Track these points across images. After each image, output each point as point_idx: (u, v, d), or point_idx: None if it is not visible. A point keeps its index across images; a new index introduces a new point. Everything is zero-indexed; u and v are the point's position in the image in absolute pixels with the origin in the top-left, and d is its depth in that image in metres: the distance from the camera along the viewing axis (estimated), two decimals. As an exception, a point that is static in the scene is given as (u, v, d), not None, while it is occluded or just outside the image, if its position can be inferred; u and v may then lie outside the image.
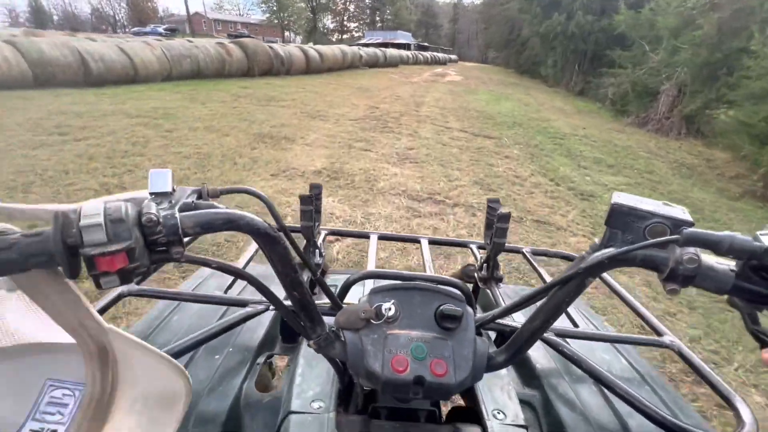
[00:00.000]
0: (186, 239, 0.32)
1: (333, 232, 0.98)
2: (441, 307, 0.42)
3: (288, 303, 0.42)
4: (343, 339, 0.42)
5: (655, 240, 0.34)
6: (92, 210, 0.27)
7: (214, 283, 0.82)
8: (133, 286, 0.65)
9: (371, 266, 0.78)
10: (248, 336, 0.68)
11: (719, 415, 1.60)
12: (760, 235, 0.32)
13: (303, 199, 0.71)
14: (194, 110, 6.67)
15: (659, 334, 0.68)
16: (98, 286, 0.27)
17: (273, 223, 0.38)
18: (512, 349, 0.44)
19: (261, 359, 0.64)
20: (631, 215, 0.37)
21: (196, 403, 0.54)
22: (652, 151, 7.88)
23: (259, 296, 0.52)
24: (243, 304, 0.64)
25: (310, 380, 0.53)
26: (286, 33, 64.02)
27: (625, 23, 12.21)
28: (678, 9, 9.71)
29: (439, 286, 0.44)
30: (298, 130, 6.08)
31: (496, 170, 5.25)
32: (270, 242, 0.35)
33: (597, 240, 0.40)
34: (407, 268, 2.47)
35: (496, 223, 0.69)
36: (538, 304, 0.44)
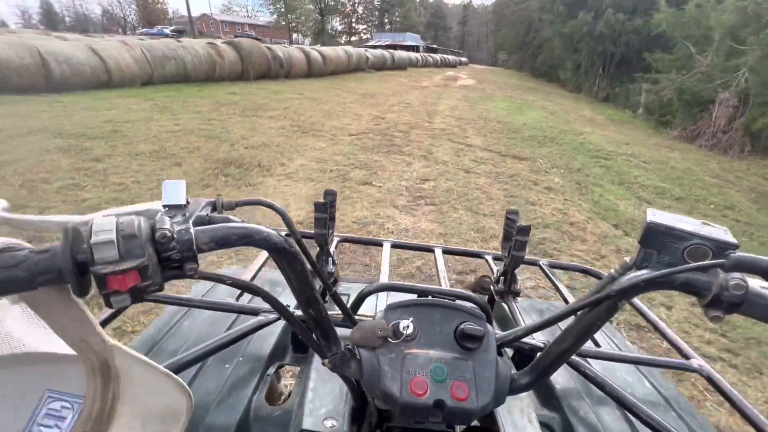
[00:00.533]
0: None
1: (346, 239, 0.93)
2: (461, 326, 0.40)
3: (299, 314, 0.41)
4: (358, 357, 0.40)
5: (698, 264, 0.32)
6: (104, 225, 0.26)
7: (224, 288, 0.79)
8: None
9: (384, 275, 0.76)
10: (258, 345, 0.66)
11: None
12: None
13: (317, 206, 0.69)
14: (155, 125, 5.40)
15: (686, 357, 0.64)
16: (109, 305, 0.26)
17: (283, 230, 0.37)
18: (536, 372, 0.41)
19: (271, 370, 0.62)
20: (669, 235, 0.34)
21: (205, 415, 0.52)
22: (718, 176, 6.44)
23: (283, 300, 0.50)
24: (255, 312, 0.62)
25: (323, 396, 0.51)
26: (294, 35, 63.38)
27: (666, 22, 10.73)
28: (738, 4, 8.24)
29: (458, 302, 0.43)
30: (281, 153, 4.77)
31: (541, 212, 3.88)
32: (287, 259, 0.33)
33: (627, 259, 0.37)
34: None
35: (516, 236, 0.66)
36: (562, 323, 0.41)
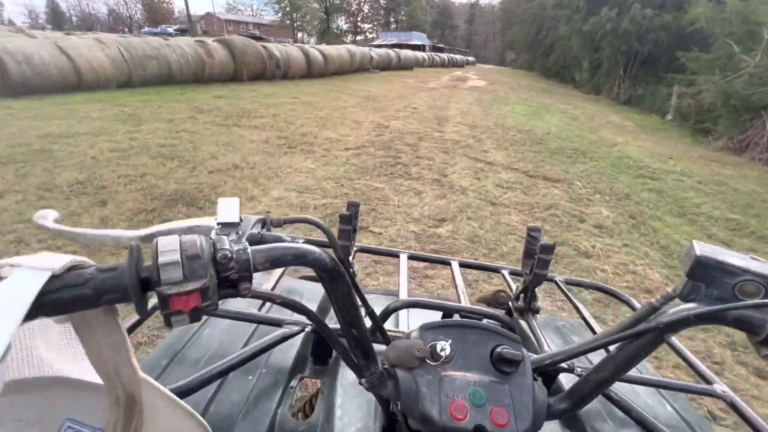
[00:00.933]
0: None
1: (363, 249, 0.93)
2: (498, 349, 0.39)
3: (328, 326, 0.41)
4: (395, 377, 0.39)
5: (754, 302, 0.32)
6: (169, 245, 0.25)
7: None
8: None
9: (403, 287, 0.76)
10: (281, 357, 0.65)
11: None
12: None
13: (342, 218, 0.69)
14: (104, 140, 4.38)
15: (709, 382, 0.64)
16: (169, 325, 0.26)
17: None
18: (574, 399, 0.41)
19: (294, 382, 0.61)
20: (718, 269, 0.34)
21: (232, 428, 0.52)
22: (792, 200, 5.32)
23: (294, 316, 0.59)
24: (278, 324, 0.62)
25: (351, 414, 0.50)
26: (299, 34, 62.63)
27: (704, 17, 9.57)
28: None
29: (493, 324, 0.43)
30: (254, 180, 3.75)
31: (602, 271, 2.82)
32: (335, 279, 0.34)
33: (670, 289, 0.37)
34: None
35: (539, 254, 0.65)
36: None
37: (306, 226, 0.65)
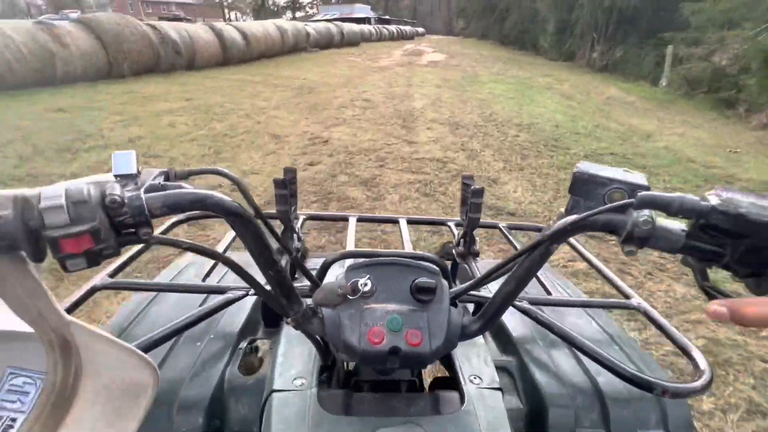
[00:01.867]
0: (154, 221, 0.31)
1: (311, 217, 0.95)
2: (416, 281, 0.42)
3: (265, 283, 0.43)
4: (321, 315, 0.42)
5: (612, 204, 0.35)
6: (53, 192, 0.26)
7: (192, 272, 0.80)
8: (107, 279, 0.64)
9: (350, 247, 0.76)
10: (229, 322, 0.66)
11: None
12: (708, 194, 0.33)
13: (277, 183, 0.68)
14: None
15: (627, 296, 0.70)
16: (64, 268, 0.27)
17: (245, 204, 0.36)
18: (485, 317, 0.44)
19: (243, 344, 0.61)
20: (592, 182, 0.38)
21: (179, 389, 0.53)
22: None
23: (238, 282, 0.59)
24: (222, 291, 0.62)
25: (292, 359, 0.52)
26: (232, 13, 56.47)
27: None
28: None
29: (414, 261, 0.45)
30: None
31: None
32: (242, 222, 0.34)
33: (562, 209, 0.40)
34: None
35: (471, 199, 0.70)
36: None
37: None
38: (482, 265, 0.75)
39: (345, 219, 0.91)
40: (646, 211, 0.34)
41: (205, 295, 0.69)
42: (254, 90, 7.18)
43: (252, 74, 9.18)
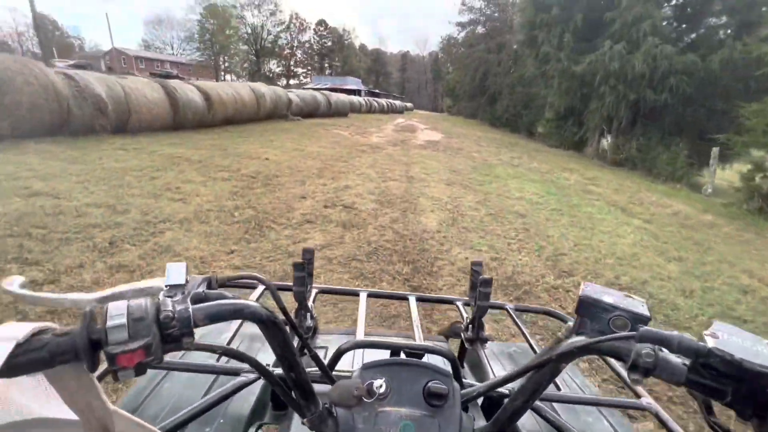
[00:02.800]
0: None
1: (324, 291, 0.96)
2: (428, 384, 0.43)
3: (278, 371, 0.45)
4: (335, 415, 0.42)
5: (615, 335, 0.36)
6: (117, 310, 0.29)
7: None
8: None
9: (361, 326, 0.76)
10: (239, 405, 0.66)
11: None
12: (705, 335, 0.33)
13: (296, 266, 0.72)
14: None
15: (638, 396, 0.68)
16: (116, 379, 0.29)
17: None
18: (496, 426, 0.45)
19: (252, 429, 0.62)
20: (596, 306, 0.40)
21: None
22: None
23: (261, 357, 0.56)
24: (235, 373, 0.63)
25: None
26: (228, 76, 57.31)
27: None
28: None
29: (427, 361, 0.46)
30: None
31: None
32: (272, 329, 0.37)
33: (571, 323, 0.42)
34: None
35: (480, 288, 0.71)
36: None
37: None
38: (492, 348, 0.80)
39: (356, 294, 0.92)
40: (649, 344, 0.34)
41: (215, 375, 0.69)
42: (177, 177, 4.70)
43: (197, 147, 6.82)
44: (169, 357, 0.75)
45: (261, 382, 0.66)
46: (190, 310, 0.32)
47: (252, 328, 0.78)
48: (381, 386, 0.41)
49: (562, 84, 11.97)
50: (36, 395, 0.33)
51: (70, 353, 0.28)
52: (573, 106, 12.70)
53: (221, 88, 10.14)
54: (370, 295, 0.91)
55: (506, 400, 0.45)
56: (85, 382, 0.32)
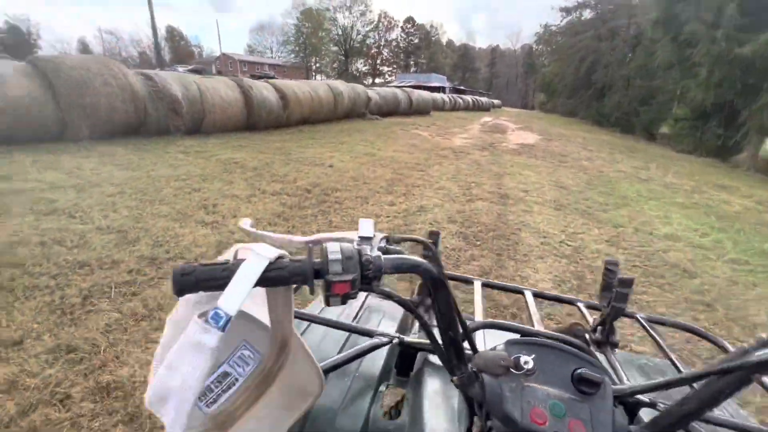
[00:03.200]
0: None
1: None
2: (579, 371, 0.41)
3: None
4: (481, 381, 0.43)
5: None
6: (333, 248, 0.35)
7: (339, 308, 0.85)
8: None
9: (478, 312, 0.79)
10: (370, 364, 0.71)
11: None
12: None
13: (425, 247, 0.72)
14: None
15: None
16: (327, 303, 0.35)
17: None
18: (656, 430, 0.41)
19: (382, 387, 0.66)
20: None
21: (334, 419, 0.59)
22: None
23: (382, 328, 0.70)
24: (370, 334, 0.68)
25: (439, 416, 0.55)
26: (318, 76, 60.24)
27: None
28: None
29: (574, 349, 0.44)
30: None
31: None
32: (440, 287, 0.40)
33: (764, 335, 0.37)
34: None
35: (617, 288, 0.67)
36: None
37: None
38: (620, 357, 0.71)
39: (470, 282, 0.94)
40: None
41: (349, 333, 0.75)
42: (221, 190, 4.00)
43: (261, 150, 6.25)
44: (308, 310, 0.80)
45: (387, 348, 0.70)
46: (382, 259, 0.37)
47: (371, 300, 0.90)
48: (527, 362, 0.41)
49: (715, 72, 9.12)
50: (253, 298, 0.40)
51: (301, 276, 0.34)
52: (724, 101, 9.70)
53: (297, 87, 9.69)
54: (484, 285, 0.93)
55: (661, 406, 0.42)
56: (288, 303, 0.41)
